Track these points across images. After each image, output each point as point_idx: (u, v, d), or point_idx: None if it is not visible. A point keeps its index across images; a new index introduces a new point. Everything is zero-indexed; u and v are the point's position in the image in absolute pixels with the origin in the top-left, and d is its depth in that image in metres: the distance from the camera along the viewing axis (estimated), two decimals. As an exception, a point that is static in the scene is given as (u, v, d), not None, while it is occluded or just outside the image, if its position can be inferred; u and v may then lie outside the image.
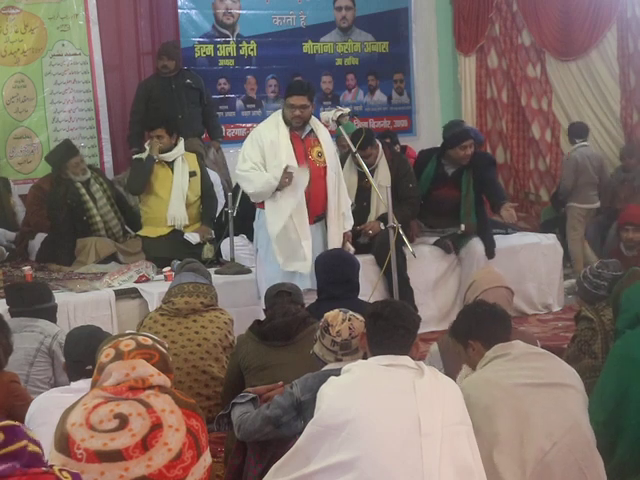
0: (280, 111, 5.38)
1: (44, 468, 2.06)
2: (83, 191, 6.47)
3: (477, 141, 8.05)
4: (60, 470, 2.09)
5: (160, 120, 6.65)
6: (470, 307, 3.43)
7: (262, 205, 5.33)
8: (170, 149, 6.47)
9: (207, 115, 7.83)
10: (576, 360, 4.03)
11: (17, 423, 2.08)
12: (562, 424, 2.95)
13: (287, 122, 5.28)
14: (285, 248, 5.22)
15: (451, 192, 6.61)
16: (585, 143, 8.01)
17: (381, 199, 5.74)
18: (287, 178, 5.17)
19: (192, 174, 6.52)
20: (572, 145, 8.08)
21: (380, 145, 6.55)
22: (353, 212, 6.32)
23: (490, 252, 6.61)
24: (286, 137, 5.26)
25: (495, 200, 6.59)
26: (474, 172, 6.57)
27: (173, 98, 7.51)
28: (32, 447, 2.06)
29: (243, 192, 5.79)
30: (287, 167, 5.18)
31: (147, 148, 6.48)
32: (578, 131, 8.07)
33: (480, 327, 3.20)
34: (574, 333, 4.33)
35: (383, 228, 5.96)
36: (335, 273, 4.62)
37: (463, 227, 6.57)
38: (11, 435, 2.03)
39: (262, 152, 5.25)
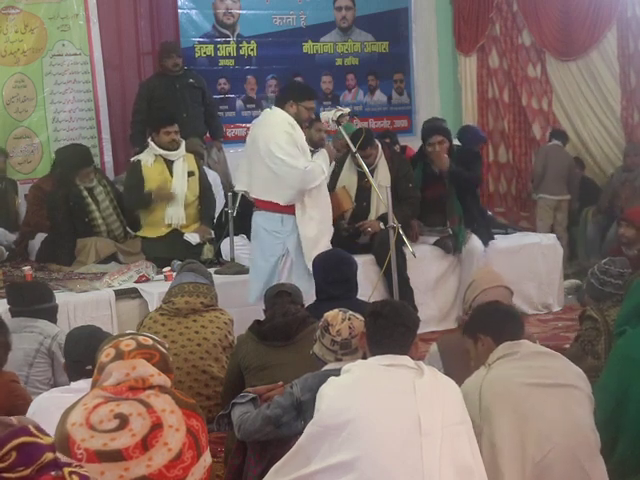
0: (280, 112, 5.26)
1: (53, 473, 2.06)
2: (85, 193, 6.45)
3: (476, 139, 8.03)
4: (70, 473, 2.08)
5: (173, 118, 6.63)
6: (485, 304, 3.43)
7: (286, 209, 5.25)
8: (178, 147, 6.47)
9: (209, 115, 7.86)
10: (579, 360, 4.02)
11: (33, 440, 2.04)
12: (564, 425, 2.95)
13: (299, 123, 5.27)
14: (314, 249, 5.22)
15: (440, 190, 6.65)
16: (559, 143, 8.59)
17: (381, 199, 5.72)
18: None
19: (190, 174, 6.51)
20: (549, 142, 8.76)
21: (379, 145, 6.55)
22: (353, 212, 6.35)
23: (484, 239, 6.62)
24: (304, 138, 5.29)
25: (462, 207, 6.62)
26: (458, 166, 6.59)
27: (177, 98, 7.53)
28: (48, 456, 2.06)
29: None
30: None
31: (150, 144, 6.45)
32: (556, 134, 8.74)
33: (492, 322, 3.21)
34: (578, 332, 4.33)
35: (383, 227, 5.97)
36: (333, 273, 4.61)
37: (449, 224, 6.59)
38: (25, 458, 2.00)
39: (301, 153, 5.21)
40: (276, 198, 5.23)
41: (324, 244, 5.20)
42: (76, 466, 2.16)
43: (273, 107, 5.37)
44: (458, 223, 6.55)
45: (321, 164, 5.23)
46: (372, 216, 6.43)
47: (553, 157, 8.48)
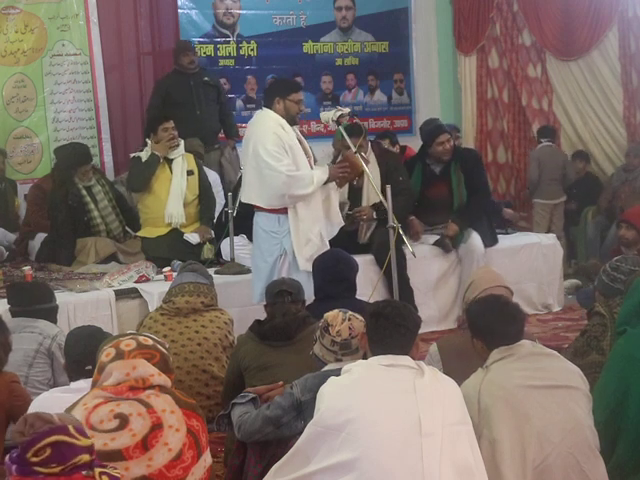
0: (270, 113, 5.18)
1: (84, 472, 2.07)
2: (84, 192, 6.45)
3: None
4: (101, 474, 2.10)
5: (167, 115, 6.63)
6: (481, 303, 3.37)
7: (283, 210, 5.18)
8: (178, 145, 6.47)
9: (223, 113, 7.89)
10: (583, 355, 4.02)
11: (70, 440, 2.07)
12: (563, 426, 2.95)
13: (290, 121, 5.22)
14: (310, 250, 5.18)
15: (442, 190, 6.65)
16: (549, 143, 8.56)
17: (378, 195, 5.64)
18: (341, 170, 5.22)
19: (189, 173, 6.50)
20: (539, 144, 8.71)
21: (369, 144, 6.55)
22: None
23: (488, 241, 6.61)
24: (295, 139, 5.21)
25: (469, 208, 6.63)
26: (462, 167, 6.60)
27: (192, 95, 7.55)
28: (83, 458, 2.07)
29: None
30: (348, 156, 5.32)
31: (148, 143, 6.44)
32: (544, 132, 8.72)
33: (484, 329, 3.20)
34: (584, 327, 4.31)
35: (375, 217, 6.15)
36: (332, 272, 4.61)
37: (450, 222, 6.60)
38: (58, 455, 2.04)
39: (288, 156, 5.11)
40: (259, 201, 5.19)
41: (310, 248, 5.17)
42: (110, 467, 2.18)
43: (264, 108, 5.31)
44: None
45: (314, 174, 5.14)
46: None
47: (546, 161, 8.48)
